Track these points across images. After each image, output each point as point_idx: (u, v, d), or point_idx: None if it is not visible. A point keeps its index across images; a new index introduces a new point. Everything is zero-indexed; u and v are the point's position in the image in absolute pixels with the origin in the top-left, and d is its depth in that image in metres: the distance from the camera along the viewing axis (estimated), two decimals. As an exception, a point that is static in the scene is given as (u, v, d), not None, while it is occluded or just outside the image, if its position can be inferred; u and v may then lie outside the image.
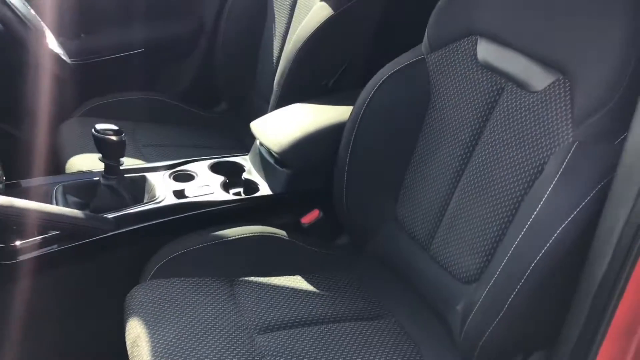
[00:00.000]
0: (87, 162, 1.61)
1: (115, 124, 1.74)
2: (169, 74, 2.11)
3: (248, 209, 1.42)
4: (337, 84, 1.68)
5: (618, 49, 0.95)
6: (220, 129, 2.02)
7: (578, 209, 0.94)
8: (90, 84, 1.93)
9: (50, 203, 1.35)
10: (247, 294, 1.26)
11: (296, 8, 1.78)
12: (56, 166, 1.66)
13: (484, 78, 1.21)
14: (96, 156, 1.33)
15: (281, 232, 1.39)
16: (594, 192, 0.93)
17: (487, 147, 1.18)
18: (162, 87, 2.07)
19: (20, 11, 1.43)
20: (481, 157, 1.19)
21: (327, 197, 1.42)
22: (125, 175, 1.41)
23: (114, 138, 1.31)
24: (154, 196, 1.37)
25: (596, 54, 0.98)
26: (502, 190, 1.14)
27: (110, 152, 1.32)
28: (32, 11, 1.59)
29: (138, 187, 1.42)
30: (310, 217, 1.45)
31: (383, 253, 1.38)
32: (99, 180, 1.36)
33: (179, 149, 1.80)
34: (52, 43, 1.64)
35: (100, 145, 1.31)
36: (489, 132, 1.19)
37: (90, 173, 1.43)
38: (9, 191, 1.35)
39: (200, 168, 1.51)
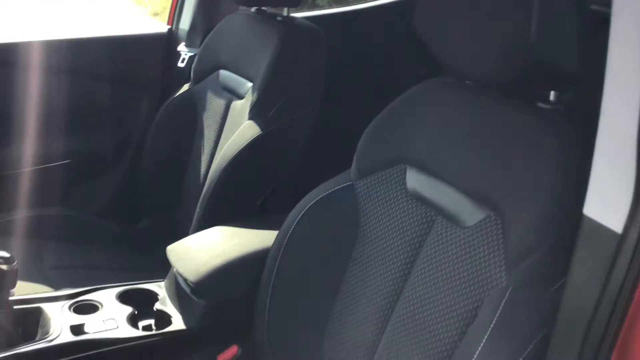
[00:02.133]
0: None
1: (23, 243, 1.60)
2: (88, 188, 1.98)
3: (157, 346, 1.26)
4: (266, 205, 1.59)
5: (548, 192, 0.89)
6: (141, 249, 1.87)
7: (517, 364, 0.84)
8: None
9: None
10: None
11: (225, 125, 1.72)
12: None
13: (414, 209, 1.14)
14: None
15: (193, 374, 1.24)
16: (531, 346, 0.84)
17: (418, 285, 1.09)
18: (78, 202, 1.93)
19: None
20: (411, 295, 1.09)
21: (247, 331, 1.29)
22: (17, 307, 1.24)
23: (4, 267, 1.15)
24: (47, 332, 1.20)
25: (526, 194, 0.92)
26: (435, 335, 1.03)
27: (-2, 282, 1.16)
28: None
29: (30, 322, 1.25)
30: (227, 355, 1.30)
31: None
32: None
33: (91, 272, 1.64)
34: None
35: (-14, 275, 1.15)
36: (419, 268, 1.10)
37: None
38: None
39: (107, 297, 1.35)
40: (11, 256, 1.18)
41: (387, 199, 1.18)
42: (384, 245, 1.16)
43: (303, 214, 1.24)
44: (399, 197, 1.16)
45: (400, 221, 1.15)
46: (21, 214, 1.78)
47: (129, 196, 1.97)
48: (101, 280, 1.50)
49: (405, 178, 1.16)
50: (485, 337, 0.88)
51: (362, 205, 1.21)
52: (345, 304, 1.20)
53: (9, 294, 1.19)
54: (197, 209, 1.54)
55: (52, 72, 1.86)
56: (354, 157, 1.24)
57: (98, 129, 1.98)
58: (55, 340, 1.19)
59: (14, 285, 1.19)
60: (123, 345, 1.23)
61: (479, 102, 1.08)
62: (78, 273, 1.60)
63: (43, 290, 1.45)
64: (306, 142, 1.56)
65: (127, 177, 1.99)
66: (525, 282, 0.90)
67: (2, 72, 1.81)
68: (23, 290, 1.42)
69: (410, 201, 1.14)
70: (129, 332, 1.26)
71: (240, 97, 1.67)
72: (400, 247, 1.14)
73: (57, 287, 1.50)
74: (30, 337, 1.22)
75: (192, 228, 1.54)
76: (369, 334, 1.15)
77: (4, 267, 1.16)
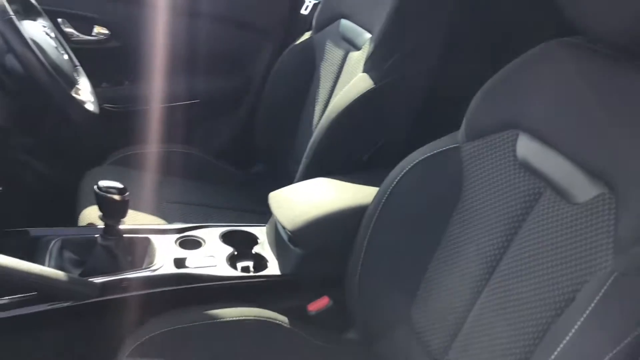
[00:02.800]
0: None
1: (144, 176, 1.70)
2: (209, 129, 2.06)
3: (249, 288, 1.30)
4: (373, 161, 1.55)
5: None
6: (253, 192, 1.92)
7: (608, 356, 0.77)
8: (127, 132, 1.89)
9: (44, 258, 1.28)
10: (229, 387, 1.13)
11: (341, 76, 1.69)
12: (72, 215, 1.60)
13: (522, 178, 1.05)
14: None
15: (282, 319, 1.26)
16: (627, 340, 0.75)
17: (516, 259, 1.02)
18: (199, 141, 2.01)
19: (46, 56, 1.40)
20: (507, 269, 1.03)
21: (339, 284, 1.29)
22: (128, 235, 1.33)
23: (116, 197, 1.23)
24: (151, 262, 1.28)
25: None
26: (528, 313, 0.97)
27: (110, 211, 1.24)
28: (66, 56, 1.57)
29: (139, 251, 1.33)
30: (318, 305, 1.32)
31: (392, 358, 1.22)
32: (97, 239, 1.28)
33: (202, 209, 1.71)
34: (85, 89, 1.61)
35: (101, 203, 1.23)
36: (519, 242, 1.02)
37: (93, 229, 1.36)
38: (5, 240, 1.29)
39: (211, 235, 1.40)
40: (124, 187, 1.25)
41: (494, 165, 1.11)
42: (485, 214, 1.10)
43: (405, 173, 1.20)
44: (507, 165, 1.08)
45: (505, 190, 1.08)
46: (148, 149, 1.89)
47: (246, 140, 2.02)
48: (210, 218, 1.56)
49: (515, 144, 1.08)
50: (579, 323, 0.81)
51: (467, 170, 1.15)
52: (438, 271, 1.16)
53: (119, 223, 1.27)
54: (304, 159, 1.54)
55: (180, 14, 1.92)
56: (464, 119, 1.17)
57: (221, 72, 2.04)
58: (158, 270, 1.25)
59: (124, 215, 1.27)
60: (219, 282, 1.27)
61: (608, 67, 0.97)
62: (190, 209, 1.68)
63: (156, 222, 1.53)
64: (420, 99, 1.49)
65: (245, 121, 2.04)
66: (633, 269, 0.81)
67: (134, 12, 1.89)
68: (139, 220, 1.52)
69: (518, 170, 1.06)
70: (226, 271, 1.30)
71: (358, 48, 1.63)
72: (501, 218, 1.07)
73: (169, 221, 1.58)
74: (137, 265, 1.30)
75: (297, 177, 1.55)
76: (458, 303, 1.10)
77: (117, 197, 1.23)
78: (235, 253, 1.37)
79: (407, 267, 1.20)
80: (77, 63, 1.68)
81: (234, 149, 2.04)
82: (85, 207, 1.57)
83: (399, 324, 1.21)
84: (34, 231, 1.37)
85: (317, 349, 1.27)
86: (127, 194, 1.25)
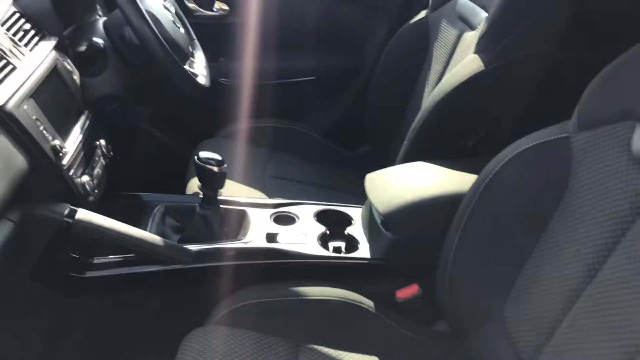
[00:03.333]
0: None
1: (251, 150, 1.74)
2: (320, 106, 2.06)
3: (338, 269, 1.29)
4: (476, 149, 1.48)
5: None
6: (357, 172, 1.90)
7: None
8: (240, 106, 1.94)
9: (148, 221, 1.35)
10: (309, 365, 1.13)
11: (453, 57, 1.62)
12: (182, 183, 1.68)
13: (635, 175, 0.95)
14: None
15: (368, 303, 1.24)
16: None
17: (621, 264, 0.92)
18: (310, 119, 2.02)
19: (162, 29, 1.46)
20: (611, 274, 0.93)
21: (430, 273, 1.24)
22: (225, 206, 1.36)
23: (214, 169, 1.26)
24: (245, 235, 1.30)
25: None
26: (630, 322, 0.88)
27: (209, 182, 1.28)
28: (183, 30, 1.62)
29: (235, 222, 1.37)
30: (407, 292, 1.28)
31: (480, 355, 1.16)
32: (196, 207, 1.32)
33: (302, 186, 1.72)
34: (199, 62, 1.66)
35: (201, 173, 1.27)
36: (626, 245, 0.93)
37: (194, 198, 1.41)
38: (116, 202, 1.38)
39: (305, 213, 1.41)
40: (222, 159, 1.28)
41: (605, 158, 1.01)
42: (591, 212, 1.00)
43: (508, 160, 1.12)
44: (620, 159, 0.98)
45: (615, 187, 0.97)
46: (259, 124, 1.93)
47: (355, 119, 2.00)
48: (308, 195, 1.56)
49: (631, 137, 0.97)
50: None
51: (575, 162, 1.05)
52: (535, 268, 1.08)
53: (217, 194, 1.31)
54: (405, 141, 1.49)
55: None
56: (576, 108, 1.08)
57: (336, 50, 2.03)
58: (250, 243, 1.28)
59: (222, 186, 1.30)
60: (308, 260, 1.27)
61: None
62: (291, 185, 1.70)
63: (255, 196, 1.56)
64: (531, 86, 1.39)
65: (356, 100, 2.02)
66: None
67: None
68: (239, 192, 1.56)
69: (632, 165, 0.96)
70: (316, 249, 1.30)
71: (473, 27, 1.54)
72: (609, 217, 0.97)
73: (269, 195, 1.61)
74: (231, 236, 1.33)
75: (397, 159, 1.51)
76: (554, 305, 1.02)
77: (215, 168, 1.26)
78: (328, 232, 1.36)
79: (501, 262, 1.13)
80: (194, 37, 1.74)
81: (343, 128, 2.04)
82: (193, 176, 1.64)
83: (489, 321, 1.14)
84: (144, 196, 1.44)
85: (403, 338, 1.24)
86: (225, 165, 1.28)
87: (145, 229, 1.33)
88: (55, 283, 1.18)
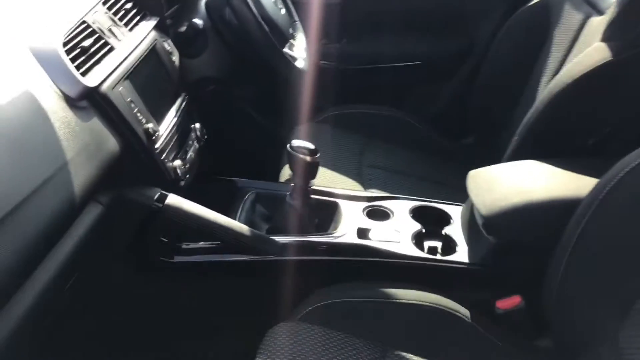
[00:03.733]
0: None
1: (349, 137, 1.67)
2: (423, 93, 1.95)
3: (432, 272, 1.20)
4: (600, 147, 1.32)
5: None
6: (459, 166, 1.79)
7: None
8: (340, 90, 1.87)
9: (238, 208, 1.32)
10: (395, 373, 1.06)
11: (575, 45, 1.46)
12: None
13: None
14: None
15: (464, 311, 1.14)
16: None
17: None
18: (411, 106, 1.92)
19: (262, 10, 1.41)
20: None
21: (534, 284, 1.13)
22: (317, 197, 1.31)
23: (307, 158, 1.21)
24: (335, 229, 1.24)
25: None
26: None
27: (300, 171, 1.23)
28: (284, 11, 1.57)
29: (326, 214, 1.31)
30: (508, 303, 1.17)
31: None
32: (286, 197, 1.28)
33: (400, 178, 1.63)
34: (299, 45, 1.61)
35: (292, 162, 1.22)
36: None
37: (286, 186, 1.36)
38: (208, 187, 1.36)
39: (401, 208, 1.33)
40: (315, 149, 1.22)
41: None
42: None
43: (635, 167, 0.98)
44: None
45: None
46: (358, 109, 1.86)
47: (460, 108, 1.88)
48: (406, 189, 1.48)
49: None
50: None
51: None
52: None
53: (308, 184, 1.25)
54: (516, 135, 1.36)
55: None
56: None
57: (443, 33, 1.91)
58: (340, 238, 1.22)
59: (314, 176, 1.25)
60: (400, 260, 1.20)
61: None
62: (388, 176, 1.61)
63: (350, 187, 1.49)
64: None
65: (463, 88, 1.89)
66: None
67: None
68: (333, 182, 1.49)
69: None
70: (410, 249, 1.22)
71: (601, 12, 1.38)
72: None
73: (365, 186, 1.53)
74: (321, 229, 1.27)
75: (506, 156, 1.38)
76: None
77: (307, 158, 1.21)
78: (423, 231, 1.27)
79: (620, 279, 1.00)
80: (296, 19, 1.69)
81: (446, 117, 1.92)
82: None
83: (603, 342, 1.02)
84: (236, 181, 1.42)
85: (501, 353, 1.13)
86: (318, 155, 1.22)
87: (235, 216, 1.30)
88: (145, 267, 1.17)
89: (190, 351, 1.27)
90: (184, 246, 1.17)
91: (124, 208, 1.08)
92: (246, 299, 1.21)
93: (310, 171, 1.23)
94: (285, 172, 1.55)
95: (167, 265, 1.16)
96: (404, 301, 1.13)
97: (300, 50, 1.59)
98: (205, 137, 1.37)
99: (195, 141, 1.32)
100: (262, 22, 1.34)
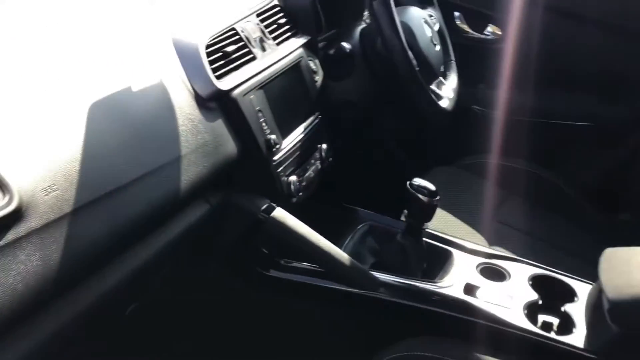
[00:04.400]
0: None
1: (487, 189, 1.58)
2: (581, 157, 1.79)
3: (540, 349, 1.07)
4: None
5: None
6: (607, 242, 1.60)
7: None
8: (490, 137, 1.78)
9: (348, 236, 1.30)
10: None
11: None
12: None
13: None
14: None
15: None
16: None
17: None
18: (563, 167, 1.77)
19: (414, 44, 1.39)
20: None
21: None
22: (430, 241, 1.24)
23: (424, 199, 1.15)
24: (442, 278, 1.16)
25: None
26: None
27: (415, 211, 1.17)
28: (439, 47, 1.53)
29: (437, 261, 1.23)
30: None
31: None
32: (397, 234, 1.22)
33: (532, 241, 1.50)
34: (449, 84, 1.55)
35: (410, 200, 1.17)
36: None
37: (400, 223, 1.30)
38: (325, 209, 1.35)
39: (520, 272, 1.21)
40: (435, 191, 1.16)
41: None
42: None
43: None
44: None
45: None
46: (502, 161, 1.75)
47: (621, 180, 1.70)
48: (533, 253, 1.36)
49: None
50: None
51: None
52: None
53: (423, 225, 1.19)
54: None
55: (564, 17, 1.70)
56: None
57: (605, 95, 1.74)
58: (444, 289, 1.14)
59: (429, 219, 1.18)
60: (505, 328, 1.09)
61: None
62: (518, 237, 1.49)
63: (472, 239, 1.40)
64: None
65: (626, 159, 1.71)
66: None
67: (531, 15, 1.74)
68: (453, 229, 1.41)
69: None
70: (520, 319, 1.10)
71: None
72: None
73: (489, 241, 1.43)
74: (428, 275, 1.20)
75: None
76: None
77: (424, 198, 1.15)
78: (540, 302, 1.15)
79: None
80: (452, 57, 1.63)
81: (603, 186, 1.74)
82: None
83: None
84: (353, 210, 1.39)
85: None
86: (437, 198, 1.16)
87: (342, 243, 1.27)
88: (239, 273, 1.18)
89: None
90: (282, 262, 1.16)
91: (231, 212, 1.10)
92: (329, 329, 1.17)
93: (426, 212, 1.17)
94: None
95: (261, 277, 1.15)
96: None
97: (449, 90, 1.53)
98: (331, 159, 1.36)
99: (319, 161, 1.31)
100: (411, 56, 1.31)
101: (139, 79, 0.95)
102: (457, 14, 1.89)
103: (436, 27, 1.60)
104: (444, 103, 1.48)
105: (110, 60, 0.95)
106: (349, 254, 1.20)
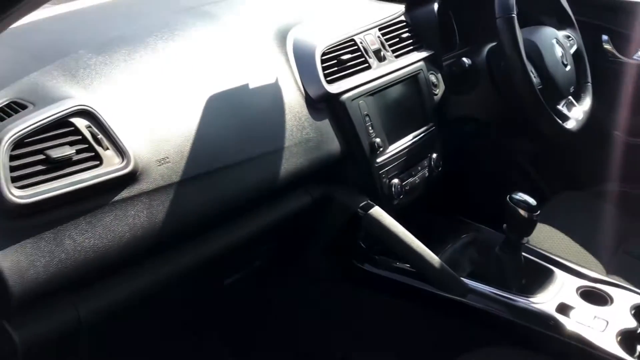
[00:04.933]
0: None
1: (618, 218, 1.52)
2: None
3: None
4: None
5: None
6: None
7: None
8: (626, 166, 1.70)
9: (448, 244, 1.33)
10: None
11: None
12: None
13: None
14: None
15: None
16: None
17: None
18: None
19: (539, 63, 1.39)
20: None
21: None
22: (529, 256, 1.23)
23: (522, 212, 1.15)
24: (537, 295, 1.15)
25: None
26: None
27: (514, 224, 1.18)
28: (569, 68, 1.50)
29: (534, 277, 1.22)
30: None
31: None
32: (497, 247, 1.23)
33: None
34: (582, 107, 1.52)
35: (508, 213, 1.18)
36: None
37: (501, 236, 1.31)
38: (432, 216, 1.39)
39: (624, 299, 1.16)
40: (535, 205, 1.16)
41: None
42: None
43: None
44: None
45: None
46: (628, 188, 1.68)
47: None
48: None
49: None
50: None
51: None
52: None
53: (521, 239, 1.19)
54: None
55: None
56: None
57: None
58: (535, 304, 1.13)
59: (527, 233, 1.18)
60: (594, 351, 1.05)
61: None
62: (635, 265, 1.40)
63: (585, 263, 1.35)
64: None
65: None
66: None
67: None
68: (568, 253, 1.37)
69: None
70: (612, 346, 1.06)
71: None
72: None
73: (607, 270, 1.37)
74: (524, 291, 1.19)
75: None
76: None
77: (522, 212, 1.15)
78: (639, 332, 1.09)
79: None
80: (588, 80, 1.59)
81: None
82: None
83: None
84: (460, 220, 1.42)
85: None
86: (537, 213, 1.16)
87: (442, 250, 1.31)
88: (339, 264, 1.26)
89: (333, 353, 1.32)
90: (377, 258, 1.22)
91: (330, 206, 1.19)
92: (414, 327, 1.21)
93: (524, 226, 1.17)
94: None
95: (356, 270, 1.23)
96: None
97: (579, 112, 1.49)
98: (440, 168, 1.40)
99: (426, 169, 1.36)
100: (533, 76, 1.32)
101: (256, 76, 1.08)
102: (605, 37, 1.83)
103: (572, 49, 1.57)
104: (570, 124, 1.45)
105: (232, 59, 1.10)
106: (447, 260, 1.23)
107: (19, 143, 0.76)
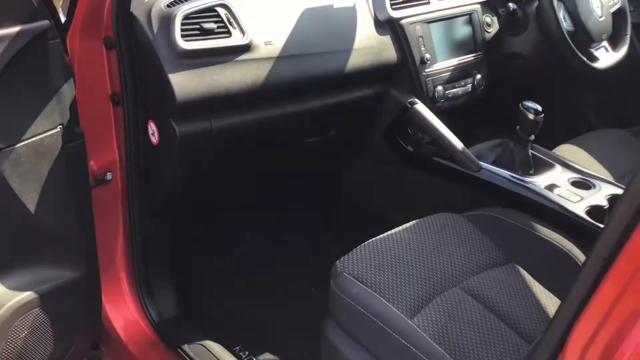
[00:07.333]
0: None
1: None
2: None
3: (579, 229, 1.38)
4: None
5: None
6: None
7: None
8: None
9: (482, 142, 1.71)
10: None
11: None
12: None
13: None
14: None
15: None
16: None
17: None
18: None
19: (572, 10, 1.73)
20: None
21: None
22: (536, 153, 1.60)
23: (530, 115, 1.51)
24: (533, 177, 1.52)
25: None
26: None
27: (523, 125, 1.53)
28: (603, 18, 1.81)
29: (537, 168, 1.57)
30: None
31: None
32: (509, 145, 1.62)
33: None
34: (615, 52, 1.83)
35: (520, 117, 1.54)
36: None
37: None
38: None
39: (608, 191, 1.48)
40: (541, 110, 1.51)
41: None
42: None
43: None
44: None
45: None
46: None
47: None
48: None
49: None
50: None
51: None
52: None
53: (528, 138, 1.56)
54: None
55: None
56: None
57: None
58: (531, 183, 1.51)
59: (533, 132, 1.54)
60: (561, 212, 1.40)
61: None
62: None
63: (596, 169, 1.64)
64: None
65: None
66: None
67: None
68: (588, 164, 1.66)
69: None
70: (580, 211, 1.41)
71: None
72: None
73: (615, 176, 1.67)
74: (528, 175, 1.56)
75: None
76: None
77: (531, 116, 1.52)
78: (605, 208, 1.42)
79: None
80: (627, 33, 1.90)
81: None
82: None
83: None
84: (497, 132, 1.80)
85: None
86: (541, 116, 1.51)
87: (471, 144, 1.70)
88: (394, 147, 1.71)
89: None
90: (423, 141, 1.66)
91: (386, 100, 1.65)
92: (441, 194, 1.62)
93: (530, 127, 1.53)
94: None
95: (405, 152, 1.68)
96: (544, 237, 1.35)
97: (611, 57, 1.81)
98: (482, 87, 1.79)
99: (470, 85, 1.76)
100: (561, 19, 1.68)
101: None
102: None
103: (614, 7, 1.88)
104: (599, 64, 1.78)
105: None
106: (475, 150, 1.62)
107: (186, 16, 1.30)
